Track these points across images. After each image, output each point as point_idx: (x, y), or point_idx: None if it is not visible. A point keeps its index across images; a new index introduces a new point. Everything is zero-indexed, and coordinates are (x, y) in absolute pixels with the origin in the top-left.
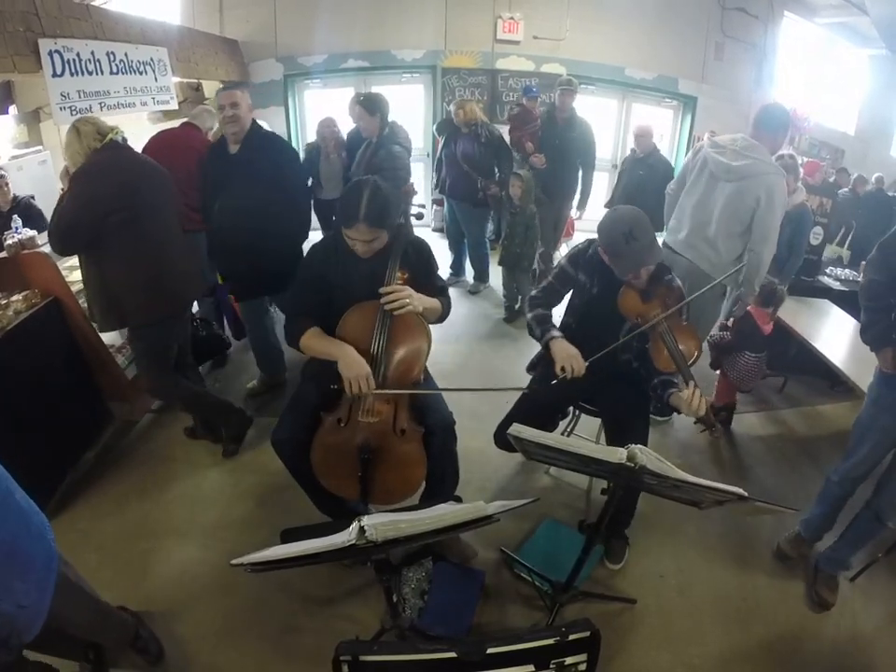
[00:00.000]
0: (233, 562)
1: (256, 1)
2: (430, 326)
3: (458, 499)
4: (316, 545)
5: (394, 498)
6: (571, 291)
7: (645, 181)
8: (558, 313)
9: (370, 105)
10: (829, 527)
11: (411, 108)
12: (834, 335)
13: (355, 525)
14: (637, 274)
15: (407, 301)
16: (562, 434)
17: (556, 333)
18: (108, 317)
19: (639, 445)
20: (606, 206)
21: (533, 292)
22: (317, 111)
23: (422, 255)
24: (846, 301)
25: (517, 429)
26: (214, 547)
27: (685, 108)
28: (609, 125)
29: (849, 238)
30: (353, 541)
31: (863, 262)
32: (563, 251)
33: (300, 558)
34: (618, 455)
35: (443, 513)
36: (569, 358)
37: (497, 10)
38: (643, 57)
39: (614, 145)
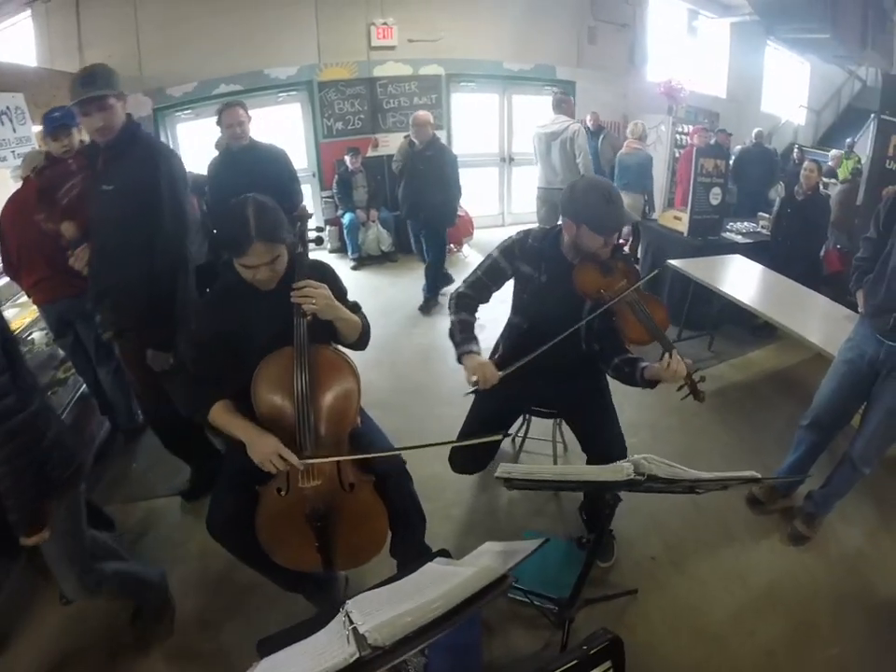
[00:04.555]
0: None
1: (116, 36)
2: (355, 353)
3: (445, 553)
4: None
5: (362, 559)
6: (516, 288)
7: (428, 175)
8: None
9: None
10: (795, 479)
11: (289, 129)
12: (749, 283)
13: (346, 631)
14: (611, 240)
15: (313, 301)
16: (512, 439)
17: (475, 349)
18: None
19: (644, 455)
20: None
21: (461, 289)
22: (192, 144)
23: (326, 276)
24: (751, 251)
25: (505, 470)
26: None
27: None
28: (493, 120)
29: None
30: (357, 655)
31: (760, 213)
32: (465, 251)
33: None
34: (624, 471)
35: (449, 589)
36: (480, 367)
37: (370, 17)
38: (519, 49)
39: (499, 138)
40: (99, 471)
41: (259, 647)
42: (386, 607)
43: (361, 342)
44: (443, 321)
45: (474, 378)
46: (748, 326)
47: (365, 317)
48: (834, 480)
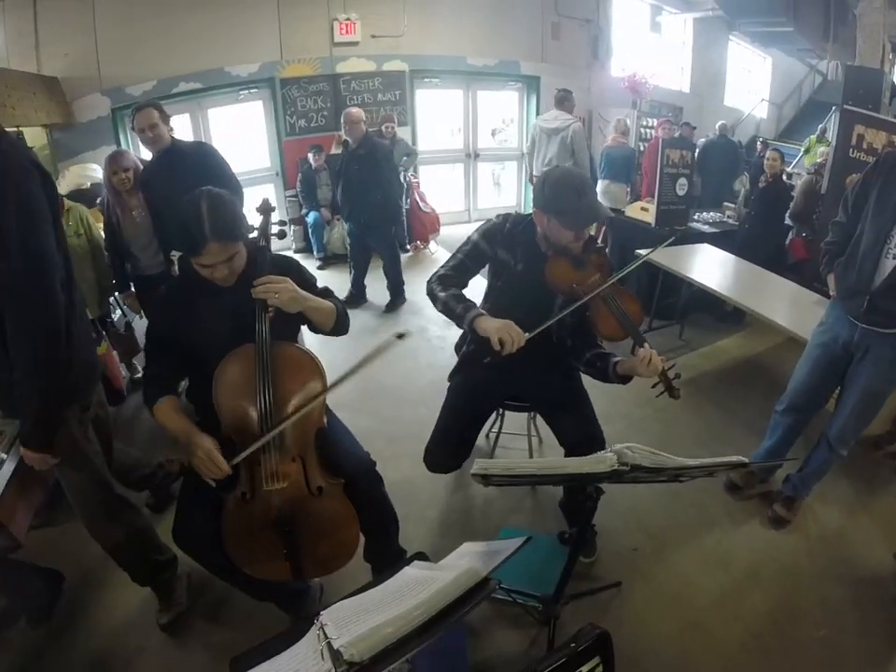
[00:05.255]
0: None
1: (74, 34)
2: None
3: (423, 556)
4: None
5: (334, 566)
6: (490, 274)
7: (363, 175)
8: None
9: (164, 111)
10: (778, 462)
11: (251, 127)
12: (717, 271)
13: (320, 645)
14: (582, 234)
15: (276, 294)
16: (487, 435)
17: (482, 311)
18: None
19: (627, 444)
20: (336, 215)
21: (441, 271)
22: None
23: (290, 269)
24: (718, 239)
25: (483, 466)
26: None
27: (529, 89)
28: (458, 115)
29: None
30: None
31: (725, 203)
32: (433, 247)
33: None
34: (608, 462)
35: (430, 595)
36: (505, 328)
37: (333, 13)
38: (483, 44)
39: (464, 134)
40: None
41: (231, 666)
42: (364, 617)
43: (340, 325)
44: (413, 319)
45: (498, 339)
46: (716, 314)
47: (339, 301)
48: (812, 462)
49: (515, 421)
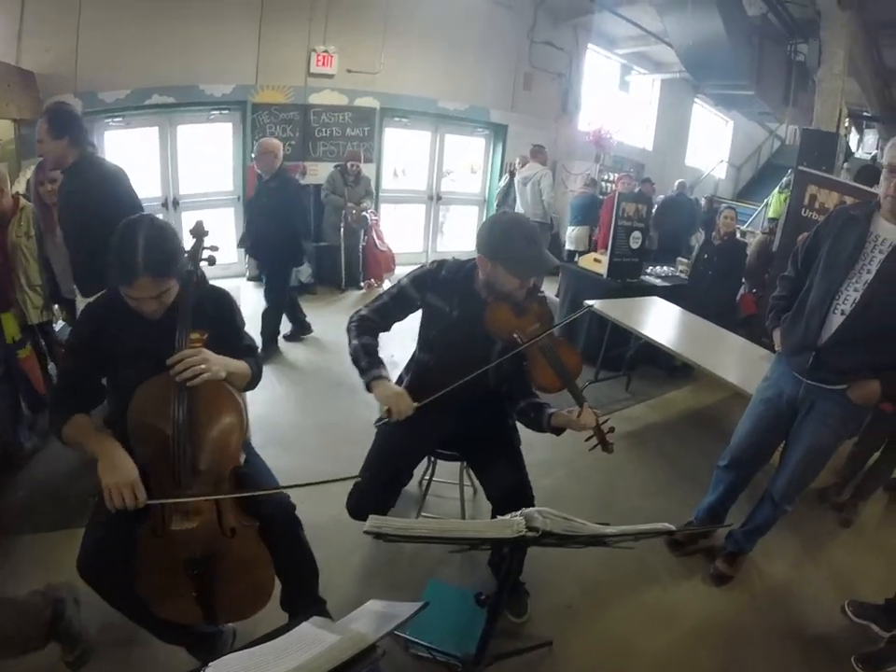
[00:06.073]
0: None
1: (59, 28)
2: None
3: (323, 610)
4: None
5: (247, 612)
6: (423, 321)
7: (272, 210)
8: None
9: (58, 124)
10: (721, 518)
11: (218, 149)
12: (667, 324)
13: None
14: (526, 283)
15: (202, 366)
16: (420, 482)
17: (384, 374)
18: None
19: (538, 508)
20: (239, 246)
21: (364, 312)
22: (119, 155)
23: (223, 308)
24: (670, 293)
25: (375, 524)
26: None
27: (496, 136)
28: (424, 157)
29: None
30: None
31: (679, 258)
32: (385, 286)
33: None
34: (514, 527)
35: (311, 658)
36: (394, 398)
37: (312, 43)
38: (455, 88)
39: (428, 175)
40: None
41: None
42: None
43: (248, 388)
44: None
45: (386, 408)
46: (665, 366)
47: (257, 361)
48: (756, 518)
49: (449, 468)
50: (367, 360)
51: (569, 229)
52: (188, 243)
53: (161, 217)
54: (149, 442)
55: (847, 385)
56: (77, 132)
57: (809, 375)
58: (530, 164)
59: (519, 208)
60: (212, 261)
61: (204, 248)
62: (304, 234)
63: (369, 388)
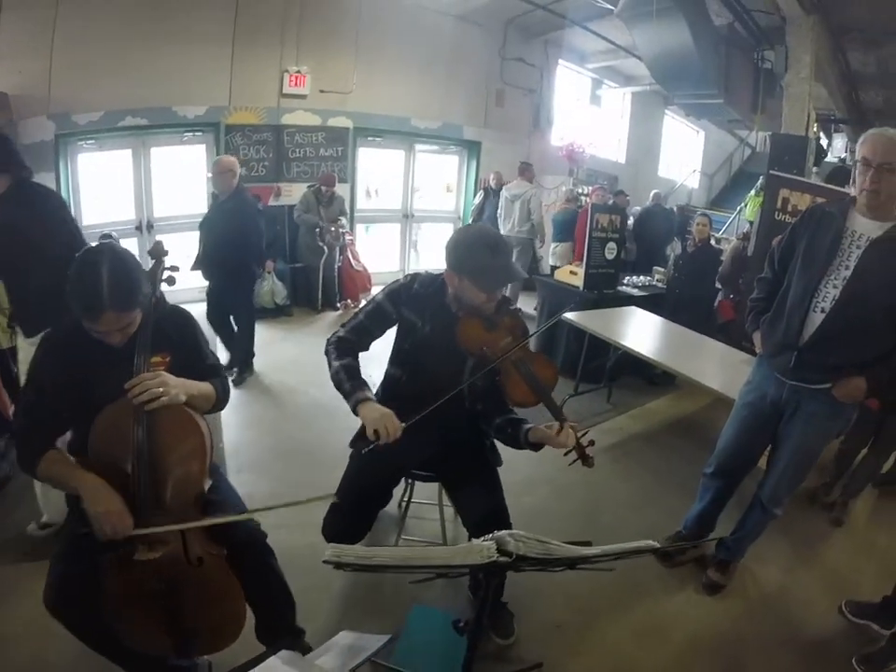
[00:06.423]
0: None
1: (32, 50)
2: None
3: (302, 642)
4: None
5: (220, 644)
6: (398, 336)
7: (225, 231)
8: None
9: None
10: (710, 526)
11: (192, 171)
12: (645, 333)
13: None
14: (494, 296)
15: (160, 390)
16: (400, 504)
17: (369, 395)
18: None
19: (510, 531)
20: (192, 268)
21: (340, 333)
22: (92, 178)
23: (185, 329)
24: (648, 303)
25: (335, 553)
26: None
27: (470, 153)
28: (398, 176)
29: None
30: None
31: (655, 267)
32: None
33: None
34: (485, 552)
35: None
36: (382, 419)
37: (284, 64)
38: (428, 107)
39: (403, 194)
40: None
41: None
42: None
43: (214, 409)
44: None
45: (374, 430)
46: (645, 376)
47: (223, 381)
48: (746, 524)
49: (428, 489)
50: (350, 383)
51: (552, 245)
52: (148, 265)
53: (135, 241)
54: (111, 469)
55: (830, 384)
56: (6, 156)
57: (792, 375)
58: (517, 181)
59: (500, 223)
60: (171, 281)
61: (165, 269)
62: (256, 259)
63: (355, 411)
